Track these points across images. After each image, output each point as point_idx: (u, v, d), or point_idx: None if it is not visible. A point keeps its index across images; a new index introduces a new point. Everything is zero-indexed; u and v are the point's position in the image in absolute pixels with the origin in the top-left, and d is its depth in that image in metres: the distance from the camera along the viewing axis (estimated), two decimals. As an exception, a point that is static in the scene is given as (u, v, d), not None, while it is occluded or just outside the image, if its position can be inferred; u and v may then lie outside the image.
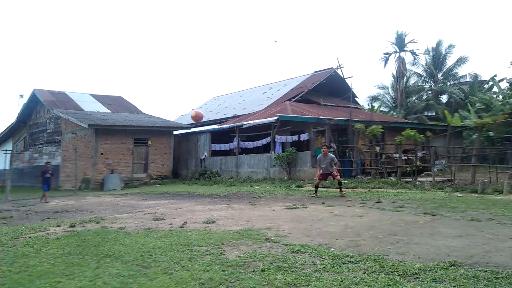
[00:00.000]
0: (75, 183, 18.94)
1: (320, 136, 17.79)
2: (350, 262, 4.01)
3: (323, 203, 9.29)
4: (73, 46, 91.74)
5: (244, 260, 4.20)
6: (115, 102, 28.39)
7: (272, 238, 5.33)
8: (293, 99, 23.99)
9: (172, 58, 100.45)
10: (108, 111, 26.10)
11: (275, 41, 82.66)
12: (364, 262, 3.96)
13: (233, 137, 20.97)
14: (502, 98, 27.95)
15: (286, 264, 3.98)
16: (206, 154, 22.72)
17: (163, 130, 23.30)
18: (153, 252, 4.76)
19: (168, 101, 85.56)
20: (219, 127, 22.68)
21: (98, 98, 28.12)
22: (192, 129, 24.89)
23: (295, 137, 18.39)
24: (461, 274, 3.41)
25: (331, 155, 11.55)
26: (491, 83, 32.43)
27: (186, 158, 24.29)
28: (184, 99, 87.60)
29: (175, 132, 24.36)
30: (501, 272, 3.41)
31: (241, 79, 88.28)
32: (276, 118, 18.28)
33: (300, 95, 24.39)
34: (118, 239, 5.73)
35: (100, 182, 20.43)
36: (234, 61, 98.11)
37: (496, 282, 3.17)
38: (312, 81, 26.06)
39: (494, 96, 29.84)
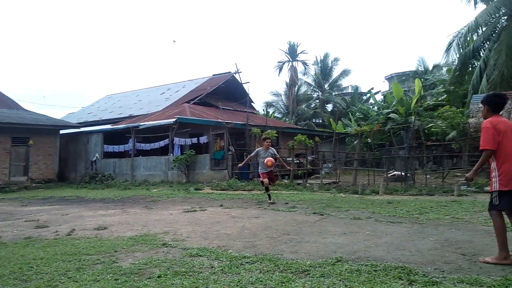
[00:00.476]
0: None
1: (219, 139, 17.96)
2: (247, 262, 4.12)
3: (221, 205, 9.39)
4: None
5: (139, 267, 4.04)
6: (-12, 95, 24.91)
7: (169, 243, 5.22)
8: (192, 101, 23.84)
9: (61, 50, 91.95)
10: (-21, 105, 22.79)
11: (174, 41, 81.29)
12: (260, 262, 4.11)
13: (129, 138, 20.00)
14: (377, 109, 31.59)
15: (183, 269, 3.93)
16: (97, 155, 21.26)
17: (48, 129, 21.15)
18: (35, 264, 4.28)
19: (55, 98, 77.99)
20: (113, 127, 21.43)
21: (-34, 89, 24.36)
22: (82, 129, 23.08)
23: (194, 140, 18.28)
24: (346, 269, 3.75)
25: (273, 149, 10.30)
26: (369, 95, 36.48)
27: (75, 160, 22.42)
28: (74, 96, 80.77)
29: (62, 132, 22.31)
30: (379, 265, 3.83)
31: (137, 78, 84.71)
32: (174, 119, 17.96)
33: (199, 97, 24.34)
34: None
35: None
36: (130, 59, 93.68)
37: (375, 274, 3.55)
38: (210, 84, 26.19)
39: (371, 106, 33.58)
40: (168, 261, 4.25)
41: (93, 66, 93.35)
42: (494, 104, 4.16)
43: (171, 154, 18.34)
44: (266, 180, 9.67)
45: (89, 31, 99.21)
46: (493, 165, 4.01)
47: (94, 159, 21.17)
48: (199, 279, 3.60)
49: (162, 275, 3.72)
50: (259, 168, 10.05)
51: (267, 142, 10.16)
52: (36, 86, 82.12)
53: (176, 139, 18.39)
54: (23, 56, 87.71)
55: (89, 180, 19.71)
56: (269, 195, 9.80)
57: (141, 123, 19.53)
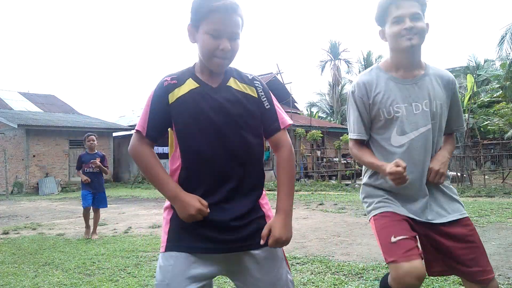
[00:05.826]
0: (6, 187, 17.48)
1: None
2: (297, 263, 4.12)
3: (268, 206, 9.44)
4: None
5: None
6: (48, 101, 26.63)
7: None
8: (238, 103, 24.11)
9: (110, 58, 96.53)
10: (40, 110, 24.43)
11: None
12: (311, 263, 4.09)
13: (177, 140, 20.61)
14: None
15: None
16: (148, 156, 22.07)
17: (102, 131, 22.26)
18: (96, 259, 4.54)
19: (107, 101, 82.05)
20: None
21: (29, 96, 26.21)
22: (133, 131, 24.07)
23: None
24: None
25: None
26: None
27: (128, 161, 23.41)
28: (123, 99, 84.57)
29: (114, 134, 23.40)
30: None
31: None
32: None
33: (245, 99, 24.56)
34: (57, 246, 5.40)
35: (34, 186, 19.05)
36: (176, 62, 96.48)
37: (433, 279, 3.41)
38: (255, 85, 26.33)
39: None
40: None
41: (143, 68, 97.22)
42: None
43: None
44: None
45: (142, 35, 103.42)
46: None
47: (145, 160, 22.02)
48: (252, 278, 3.64)
49: (215, 274, 3.80)
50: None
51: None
52: (90, 93, 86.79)
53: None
54: (76, 64, 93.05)
55: (142, 180, 20.53)
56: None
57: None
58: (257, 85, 1.52)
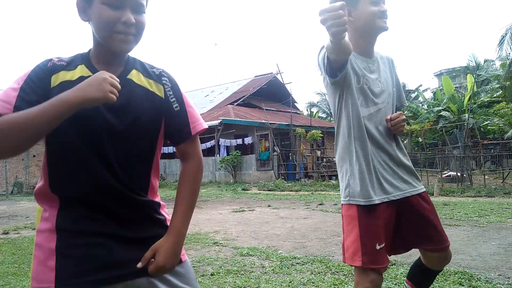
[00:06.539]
0: (6, 187, 17.49)
1: (263, 140, 18.07)
2: (297, 263, 4.11)
3: (269, 206, 9.44)
4: None
5: (192, 265, 4.13)
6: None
7: (220, 242, 5.32)
8: (235, 103, 24.13)
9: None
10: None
11: (215, 44, 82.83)
12: (311, 263, 4.08)
13: (177, 140, 20.63)
14: (427, 107, 30.29)
15: (235, 268, 3.99)
16: (148, 156, 22.08)
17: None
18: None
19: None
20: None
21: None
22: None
23: (239, 141, 18.51)
24: (401, 273, 3.63)
25: None
26: (416, 92, 35.04)
27: (127, 161, 23.43)
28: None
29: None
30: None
31: (181, 81, 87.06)
32: (219, 121, 18.28)
33: (242, 99, 24.60)
34: (56, 247, 5.38)
35: (34, 186, 18.83)
36: (175, 62, 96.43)
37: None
38: (253, 85, 26.38)
39: (420, 105, 32.26)
40: (220, 260, 4.34)
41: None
42: None
43: (218, 155, 18.69)
44: None
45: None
46: None
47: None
48: (251, 278, 3.63)
49: (215, 273, 3.80)
50: None
51: None
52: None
53: (221, 140, 18.72)
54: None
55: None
56: None
57: (189, 125, 20.05)
58: (165, 82, 1.26)
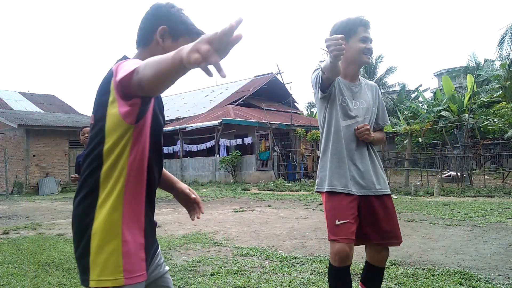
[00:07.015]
0: (6, 187, 17.49)
1: (263, 140, 18.07)
2: (297, 263, 4.11)
3: (269, 206, 9.44)
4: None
5: (192, 265, 4.15)
6: (48, 101, 26.65)
7: (220, 242, 5.32)
8: (235, 103, 24.11)
9: (110, 58, 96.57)
10: (40, 110, 24.44)
11: None
12: (311, 263, 4.08)
13: (176, 140, 20.61)
14: (427, 106, 30.25)
15: (235, 268, 3.99)
16: (148, 157, 22.07)
17: (102, 132, 22.27)
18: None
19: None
20: (162, 129, 22.18)
21: (29, 96, 26.22)
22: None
23: (239, 141, 18.50)
24: (401, 273, 3.63)
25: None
26: (416, 92, 35.01)
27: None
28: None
29: (115, 134, 23.39)
30: (437, 270, 3.67)
31: (181, 81, 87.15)
32: (219, 121, 18.27)
33: (242, 99, 24.59)
34: (58, 246, 5.39)
35: (34, 186, 19.07)
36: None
37: (433, 279, 3.41)
38: (253, 85, 26.36)
39: (420, 104, 32.21)
40: (220, 260, 4.33)
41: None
42: None
43: (218, 155, 18.69)
44: None
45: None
46: None
47: (145, 160, 22.03)
48: (251, 278, 3.63)
49: (215, 273, 3.80)
50: None
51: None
52: (90, 93, 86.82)
53: (221, 140, 18.71)
54: (77, 64, 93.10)
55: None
56: None
57: (188, 125, 20.06)
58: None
